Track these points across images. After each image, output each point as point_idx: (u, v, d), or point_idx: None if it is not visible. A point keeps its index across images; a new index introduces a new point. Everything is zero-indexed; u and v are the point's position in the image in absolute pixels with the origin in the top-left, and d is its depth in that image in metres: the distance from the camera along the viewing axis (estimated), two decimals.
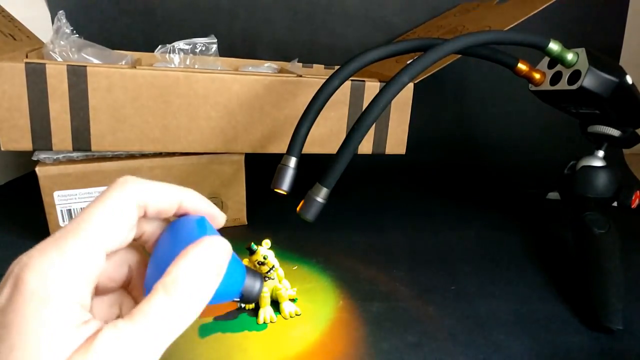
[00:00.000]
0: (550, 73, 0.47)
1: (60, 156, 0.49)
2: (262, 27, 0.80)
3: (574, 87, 0.44)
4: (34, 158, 0.49)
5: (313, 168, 0.67)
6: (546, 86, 0.47)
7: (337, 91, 0.51)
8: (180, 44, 0.62)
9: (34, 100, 0.46)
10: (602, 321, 0.40)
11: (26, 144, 0.47)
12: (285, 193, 0.42)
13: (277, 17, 0.80)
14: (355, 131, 0.37)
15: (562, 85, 0.45)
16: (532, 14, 0.52)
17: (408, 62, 0.37)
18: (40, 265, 0.18)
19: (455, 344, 0.39)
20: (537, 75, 0.46)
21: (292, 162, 0.41)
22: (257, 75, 0.51)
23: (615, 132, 0.49)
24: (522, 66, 0.45)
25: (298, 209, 0.38)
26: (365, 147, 0.56)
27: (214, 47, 0.64)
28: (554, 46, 0.43)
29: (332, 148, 0.54)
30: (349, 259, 0.51)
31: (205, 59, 0.63)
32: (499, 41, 0.41)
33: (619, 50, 0.84)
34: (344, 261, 0.51)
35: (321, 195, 0.37)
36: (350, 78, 0.51)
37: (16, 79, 0.45)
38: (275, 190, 0.42)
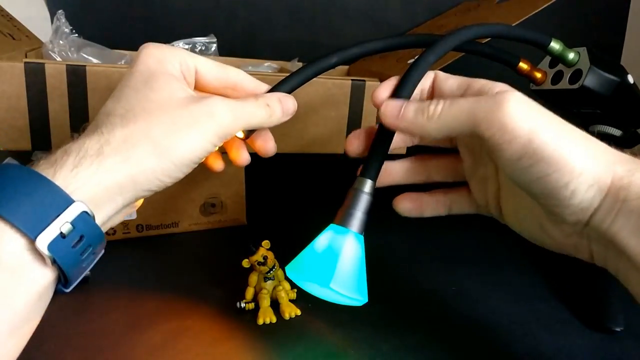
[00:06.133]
0: (551, 72, 0.47)
1: None
2: (262, 26, 0.80)
3: (575, 86, 0.44)
4: (33, 158, 0.48)
5: (313, 168, 0.67)
6: (547, 86, 0.46)
7: (337, 91, 0.51)
8: (180, 44, 0.62)
9: (33, 100, 0.45)
10: (603, 322, 0.40)
11: (25, 144, 0.47)
12: None
13: (277, 17, 0.80)
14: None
15: (564, 84, 0.45)
16: (532, 13, 0.52)
17: (409, 61, 0.36)
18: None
19: (456, 344, 0.39)
20: (538, 75, 0.46)
21: None
22: (257, 74, 0.51)
23: (616, 132, 0.49)
24: (523, 65, 0.45)
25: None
26: None
27: (214, 46, 0.64)
28: (555, 45, 0.43)
29: (332, 148, 0.54)
30: None
31: None
32: (505, 34, 0.40)
33: (620, 50, 0.84)
34: None
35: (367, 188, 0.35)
36: (351, 78, 0.51)
37: (15, 78, 0.45)
38: None
